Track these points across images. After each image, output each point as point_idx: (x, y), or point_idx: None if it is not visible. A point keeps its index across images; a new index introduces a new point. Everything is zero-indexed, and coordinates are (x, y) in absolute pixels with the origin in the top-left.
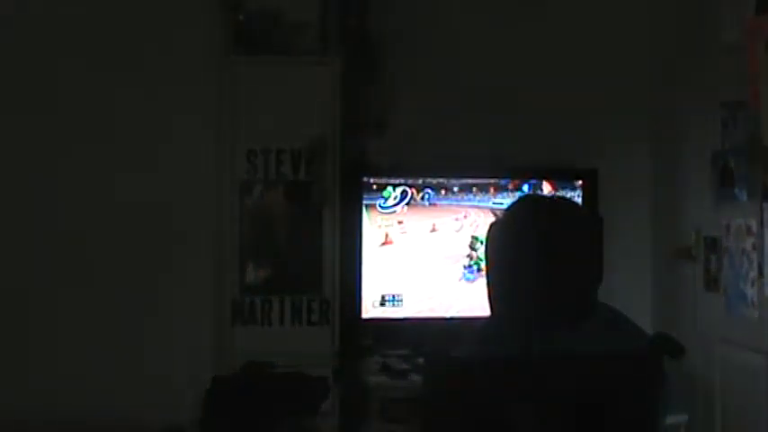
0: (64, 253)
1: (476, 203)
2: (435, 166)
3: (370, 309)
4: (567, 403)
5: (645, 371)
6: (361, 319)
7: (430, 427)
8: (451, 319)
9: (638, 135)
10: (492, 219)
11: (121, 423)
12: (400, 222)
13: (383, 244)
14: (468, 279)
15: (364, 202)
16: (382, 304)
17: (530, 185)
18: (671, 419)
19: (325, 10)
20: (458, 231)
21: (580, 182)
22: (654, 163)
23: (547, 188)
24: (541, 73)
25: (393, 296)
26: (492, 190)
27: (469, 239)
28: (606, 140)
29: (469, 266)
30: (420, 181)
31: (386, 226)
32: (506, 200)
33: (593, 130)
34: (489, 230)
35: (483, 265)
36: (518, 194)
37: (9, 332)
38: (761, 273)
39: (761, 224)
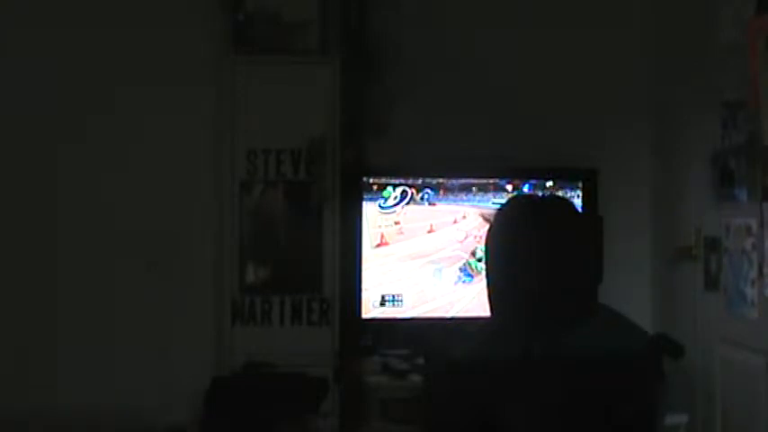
0: (63, 253)
1: (476, 203)
2: (435, 166)
3: (371, 309)
4: (566, 403)
5: (645, 371)
6: (361, 319)
7: (430, 427)
8: (452, 319)
9: (638, 135)
10: (483, 220)
11: (122, 423)
12: (397, 223)
13: (378, 245)
14: (465, 281)
15: (364, 202)
16: (382, 304)
17: (530, 185)
18: (671, 419)
19: (325, 10)
20: (455, 232)
21: (580, 182)
22: (654, 163)
23: (547, 188)
24: (541, 73)
25: (393, 296)
26: (492, 190)
27: (468, 240)
28: (606, 140)
29: (465, 268)
30: (420, 181)
31: (385, 226)
32: (505, 200)
33: (593, 130)
34: (488, 231)
35: (482, 265)
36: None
37: (9, 332)
38: (761, 273)
39: (761, 224)
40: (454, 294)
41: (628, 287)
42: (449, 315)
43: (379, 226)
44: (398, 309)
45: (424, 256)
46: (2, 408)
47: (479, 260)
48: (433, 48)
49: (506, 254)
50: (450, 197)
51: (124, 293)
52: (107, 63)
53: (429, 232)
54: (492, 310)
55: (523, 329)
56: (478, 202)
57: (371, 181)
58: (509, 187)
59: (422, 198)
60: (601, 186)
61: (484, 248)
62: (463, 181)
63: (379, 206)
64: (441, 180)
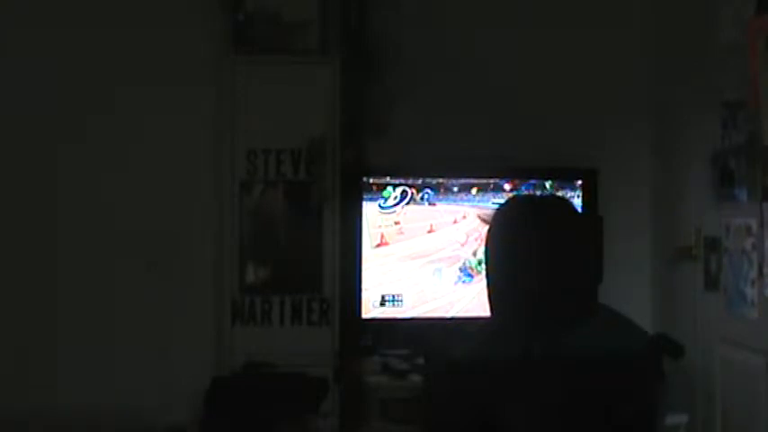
0: (63, 253)
1: (475, 204)
2: (435, 166)
3: (371, 309)
4: (566, 403)
5: (645, 371)
6: (361, 319)
7: (430, 427)
8: (452, 319)
9: (638, 135)
10: (480, 222)
11: (122, 423)
12: (397, 223)
13: (378, 245)
14: (465, 281)
15: (364, 202)
16: (382, 304)
17: (529, 185)
18: (671, 419)
19: (325, 10)
20: (455, 232)
21: (580, 182)
22: (654, 163)
23: (547, 188)
24: (541, 73)
25: (393, 296)
26: (492, 190)
27: (468, 240)
28: (606, 140)
29: (465, 268)
30: (420, 181)
31: (385, 226)
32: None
33: (593, 130)
34: (488, 231)
35: (482, 265)
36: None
37: (9, 332)
38: (761, 273)
39: (761, 224)
40: (454, 294)
41: (628, 287)
42: (449, 315)
43: (379, 226)
44: (398, 309)
45: (424, 256)
46: (2, 408)
47: (480, 261)
48: (433, 48)
49: (506, 254)
50: (450, 197)
51: (124, 293)
52: (107, 63)
53: (429, 232)
54: (492, 310)
55: (523, 329)
56: (478, 202)
57: (371, 181)
58: (507, 186)
59: (422, 198)
60: (601, 186)
61: (484, 249)
62: (463, 181)
63: (379, 206)
64: (441, 180)
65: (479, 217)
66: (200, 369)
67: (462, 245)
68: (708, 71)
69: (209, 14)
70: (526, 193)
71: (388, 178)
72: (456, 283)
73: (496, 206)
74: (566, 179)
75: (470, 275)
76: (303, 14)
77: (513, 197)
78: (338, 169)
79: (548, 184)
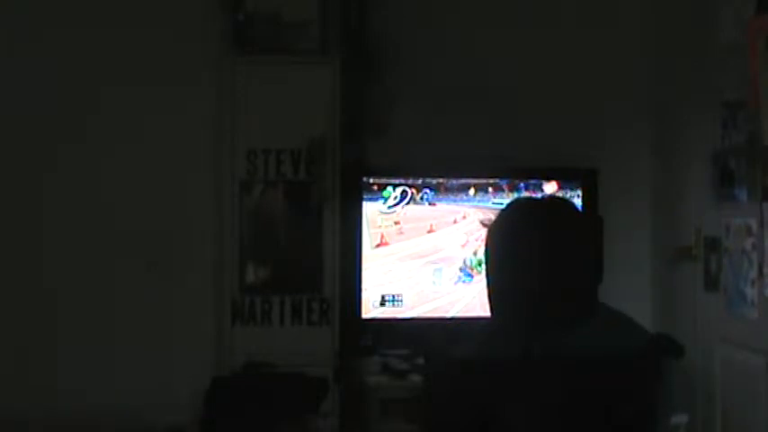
0: (63, 253)
1: (476, 204)
2: (435, 166)
3: (371, 309)
4: (566, 403)
5: (645, 371)
6: (361, 319)
7: (430, 427)
8: (452, 319)
9: (638, 135)
10: (481, 226)
11: (122, 423)
12: (397, 223)
13: (378, 245)
14: (465, 281)
15: (364, 202)
16: (382, 304)
17: (530, 185)
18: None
19: (325, 10)
20: (455, 232)
21: (580, 182)
22: (654, 163)
23: (547, 188)
24: (541, 73)
25: (393, 296)
26: (491, 190)
27: (468, 240)
28: (606, 140)
29: (465, 268)
30: (420, 181)
31: (385, 226)
32: (505, 200)
33: (593, 130)
34: (488, 231)
35: (482, 265)
36: (517, 195)
37: (9, 332)
38: (761, 273)
39: (761, 224)
40: (454, 294)
41: (628, 287)
42: (449, 315)
43: (379, 226)
44: (398, 309)
45: (424, 256)
46: (2, 408)
47: (480, 261)
48: (433, 48)
49: (507, 254)
50: (451, 197)
51: (124, 293)
52: (107, 63)
53: (429, 232)
54: (492, 310)
55: (523, 329)
56: (478, 202)
57: (371, 181)
58: (506, 186)
59: (422, 198)
60: (601, 186)
61: (484, 249)
62: (463, 181)
63: (380, 206)
64: (441, 180)
65: (480, 222)
66: (200, 369)
67: (462, 245)
68: (708, 71)
69: (209, 14)
70: (527, 194)
71: (388, 178)
72: (456, 283)
73: (496, 206)
74: (566, 179)
75: (470, 275)
76: (303, 14)
77: (516, 199)
78: (338, 169)
79: (547, 186)
